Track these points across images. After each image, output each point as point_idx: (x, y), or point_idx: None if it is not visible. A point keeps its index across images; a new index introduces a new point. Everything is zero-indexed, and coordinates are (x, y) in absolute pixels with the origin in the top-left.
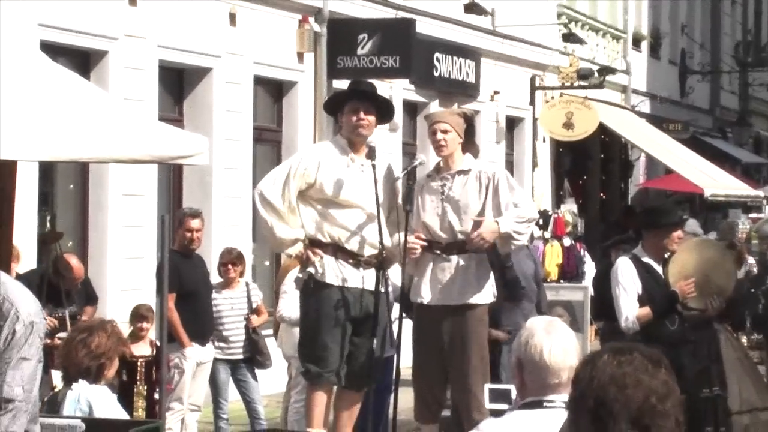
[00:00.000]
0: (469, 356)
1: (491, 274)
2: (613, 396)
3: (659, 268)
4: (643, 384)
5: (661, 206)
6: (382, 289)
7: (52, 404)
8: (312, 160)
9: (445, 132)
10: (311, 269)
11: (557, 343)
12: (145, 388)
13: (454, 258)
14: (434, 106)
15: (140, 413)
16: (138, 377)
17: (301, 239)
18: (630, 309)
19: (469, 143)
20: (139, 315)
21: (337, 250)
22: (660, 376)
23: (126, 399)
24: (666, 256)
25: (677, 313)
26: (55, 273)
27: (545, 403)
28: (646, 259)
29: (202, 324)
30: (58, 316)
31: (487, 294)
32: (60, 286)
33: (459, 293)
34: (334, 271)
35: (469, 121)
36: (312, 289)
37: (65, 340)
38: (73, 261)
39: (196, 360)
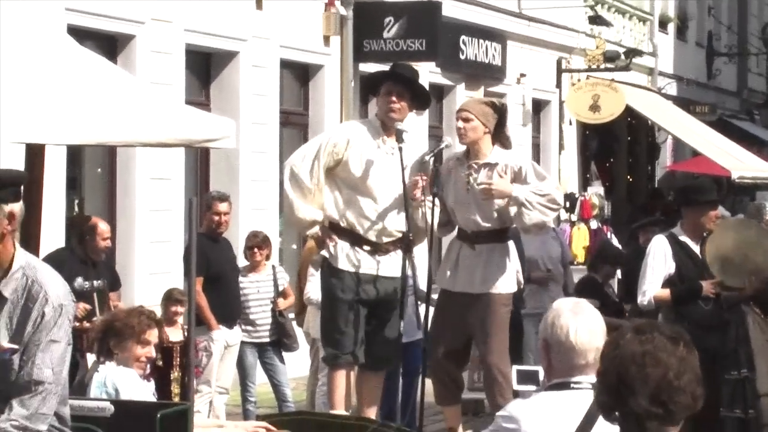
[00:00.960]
0: (492, 342)
1: (517, 263)
2: (633, 374)
3: (696, 248)
4: (661, 362)
5: (699, 184)
6: (409, 273)
7: (80, 386)
8: (342, 138)
9: (466, 120)
10: (325, 253)
11: (583, 324)
12: (180, 374)
13: (479, 247)
14: (460, 90)
15: (177, 400)
16: (174, 363)
17: (318, 221)
18: (651, 288)
19: (500, 135)
20: (172, 299)
21: (353, 236)
22: (678, 353)
23: (162, 384)
24: (705, 235)
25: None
26: (80, 243)
27: (572, 385)
28: (683, 238)
29: (229, 307)
30: (84, 290)
31: (511, 283)
32: (87, 258)
33: (483, 282)
34: (347, 257)
35: (500, 111)
36: (327, 272)
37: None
38: (101, 224)
39: (223, 343)
